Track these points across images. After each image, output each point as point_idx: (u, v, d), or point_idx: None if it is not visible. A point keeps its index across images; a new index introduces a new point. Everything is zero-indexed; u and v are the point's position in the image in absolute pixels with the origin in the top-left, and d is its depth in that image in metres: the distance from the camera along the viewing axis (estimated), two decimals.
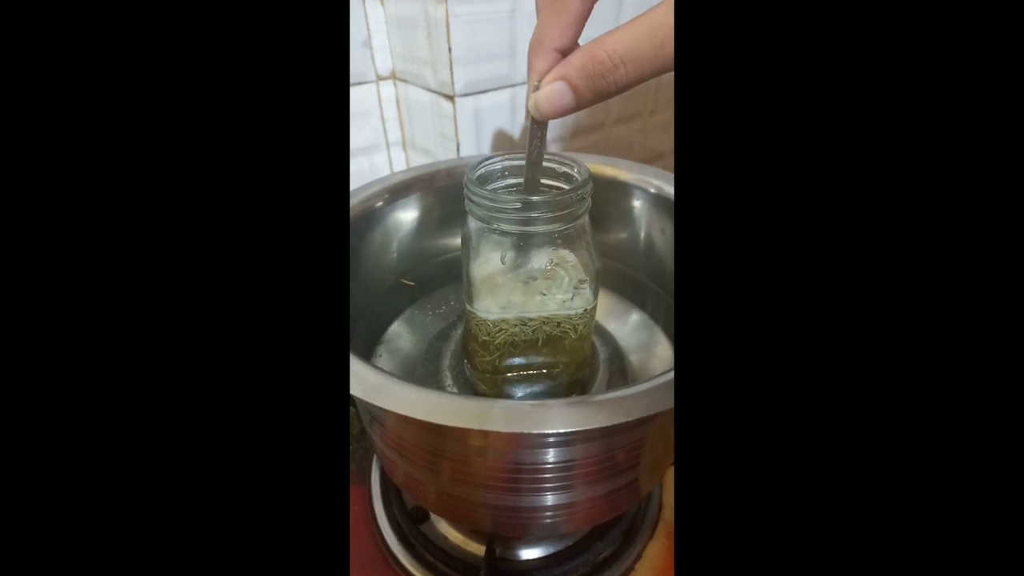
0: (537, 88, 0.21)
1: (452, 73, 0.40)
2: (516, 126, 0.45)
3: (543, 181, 0.27)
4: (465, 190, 0.25)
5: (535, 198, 0.23)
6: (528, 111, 0.22)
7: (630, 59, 0.18)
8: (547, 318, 0.26)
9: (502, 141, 0.45)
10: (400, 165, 0.49)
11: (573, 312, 0.26)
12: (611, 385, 0.30)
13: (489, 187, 0.27)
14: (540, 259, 0.26)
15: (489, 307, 0.26)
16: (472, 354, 0.28)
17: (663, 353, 0.32)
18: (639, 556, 0.31)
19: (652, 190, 0.33)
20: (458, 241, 0.35)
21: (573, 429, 0.17)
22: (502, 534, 0.30)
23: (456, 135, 0.42)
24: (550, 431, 0.17)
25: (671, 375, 0.20)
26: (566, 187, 0.27)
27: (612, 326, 0.34)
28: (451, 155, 0.44)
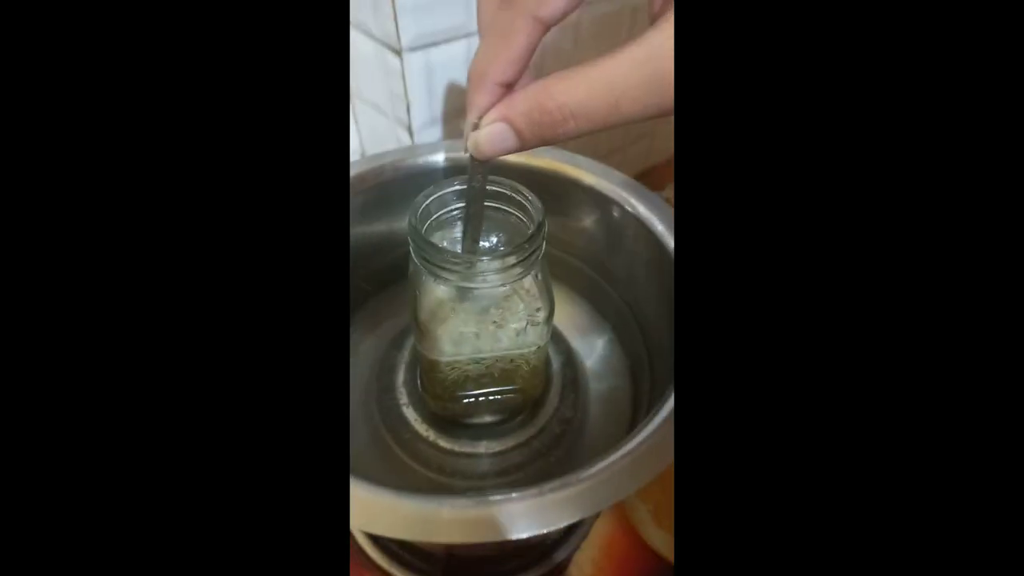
0: (477, 126, 0.19)
1: (397, 24, 0.35)
2: None
3: (497, 205, 0.25)
4: (409, 233, 0.23)
5: (485, 258, 0.22)
6: (467, 148, 0.20)
7: (582, 114, 0.16)
8: (500, 356, 0.26)
9: (458, 99, 0.40)
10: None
11: (527, 350, 0.26)
12: (563, 399, 0.31)
13: (439, 215, 0.25)
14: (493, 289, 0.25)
15: (441, 348, 0.25)
16: (425, 382, 0.28)
17: (615, 358, 0.33)
18: (586, 535, 0.34)
19: (613, 197, 0.31)
20: (404, 235, 0.33)
21: (532, 534, 0.18)
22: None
23: (406, 95, 0.38)
24: (508, 538, 0.18)
25: (630, 453, 0.20)
26: (520, 216, 0.25)
27: (562, 323, 0.34)
28: (401, 115, 0.40)
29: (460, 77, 0.40)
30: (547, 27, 0.18)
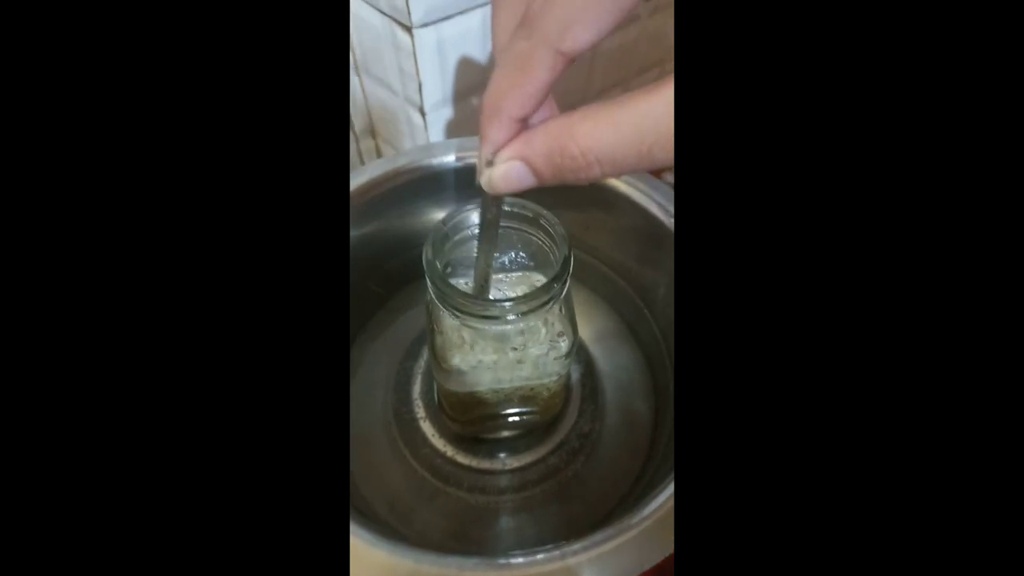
0: (491, 163, 0.17)
1: None
2: (488, 54, 0.38)
3: (519, 227, 0.24)
4: (426, 271, 0.21)
5: (507, 303, 0.20)
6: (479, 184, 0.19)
7: (609, 161, 0.15)
8: (519, 386, 0.25)
9: (472, 76, 0.38)
10: (355, 94, 0.42)
11: (548, 379, 0.25)
12: (582, 412, 0.30)
13: (457, 237, 0.24)
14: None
15: (459, 380, 0.24)
16: (442, 403, 0.28)
17: (637, 368, 0.32)
18: None
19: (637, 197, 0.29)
20: (420, 236, 0.31)
21: None
22: None
23: (417, 73, 0.35)
24: None
25: (654, 514, 0.20)
26: (542, 239, 0.24)
27: (584, 333, 0.33)
28: (412, 94, 0.37)
29: (474, 53, 0.37)
30: (570, 60, 0.16)
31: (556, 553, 0.19)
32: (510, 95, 0.16)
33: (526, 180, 0.16)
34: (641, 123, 0.14)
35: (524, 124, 0.16)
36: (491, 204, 0.20)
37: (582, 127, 0.15)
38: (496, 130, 0.16)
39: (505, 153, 0.16)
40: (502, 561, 0.19)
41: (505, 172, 0.17)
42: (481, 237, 0.21)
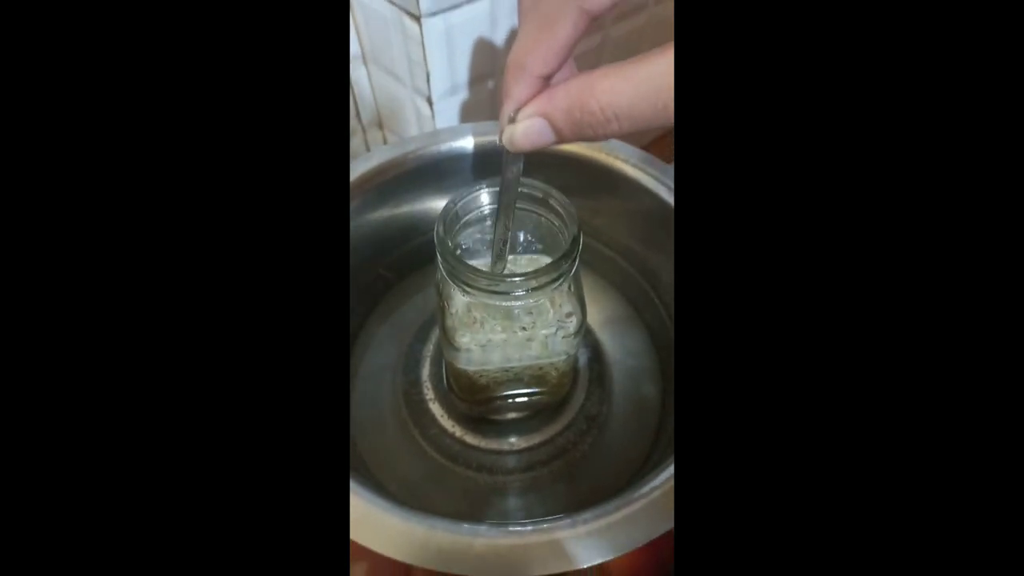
0: (513, 120, 0.18)
1: None
2: (497, 41, 0.38)
3: (529, 208, 0.24)
4: (437, 247, 0.22)
5: (517, 278, 0.21)
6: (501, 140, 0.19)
7: (626, 117, 0.16)
8: (529, 365, 0.25)
9: (479, 65, 0.38)
10: (362, 85, 0.42)
11: (557, 359, 0.25)
12: (590, 395, 0.31)
13: (467, 218, 0.24)
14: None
15: (469, 359, 0.25)
16: (452, 384, 0.28)
17: (645, 352, 0.32)
18: None
19: (648, 180, 0.29)
20: (428, 221, 0.32)
21: (561, 571, 0.18)
22: None
23: (425, 62, 0.36)
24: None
25: (663, 485, 0.20)
26: (552, 220, 0.24)
27: (591, 317, 0.33)
28: (420, 84, 0.37)
29: (482, 41, 0.37)
30: (593, 19, 0.16)
31: (566, 521, 0.19)
32: (534, 52, 0.16)
33: (546, 136, 0.17)
34: (657, 79, 0.14)
35: (546, 83, 0.17)
36: (511, 162, 0.20)
37: (602, 84, 0.15)
38: (520, 87, 0.17)
39: (527, 110, 0.17)
40: (512, 528, 0.19)
41: (526, 129, 0.17)
42: (500, 199, 0.21)
